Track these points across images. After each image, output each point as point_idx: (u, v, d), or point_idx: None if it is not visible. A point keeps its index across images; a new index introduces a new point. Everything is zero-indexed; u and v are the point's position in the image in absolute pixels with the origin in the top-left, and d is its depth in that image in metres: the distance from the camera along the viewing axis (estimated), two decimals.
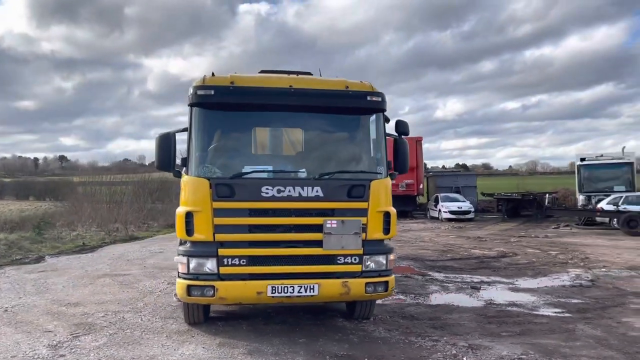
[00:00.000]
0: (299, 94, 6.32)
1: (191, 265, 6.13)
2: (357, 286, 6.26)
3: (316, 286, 6.15)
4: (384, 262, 6.42)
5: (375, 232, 6.35)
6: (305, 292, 6.14)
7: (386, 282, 6.38)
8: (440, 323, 7.38)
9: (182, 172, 6.44)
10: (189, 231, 6.11)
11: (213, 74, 6.53)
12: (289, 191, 6.15)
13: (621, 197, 22.53)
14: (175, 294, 6.63)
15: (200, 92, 6.21)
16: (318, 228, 6.21)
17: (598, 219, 23.42)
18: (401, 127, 6.76)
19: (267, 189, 6.14)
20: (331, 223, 6.19)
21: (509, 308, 8.30)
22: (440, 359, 5.85)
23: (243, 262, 6.13)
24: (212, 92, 6.19)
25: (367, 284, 6.29)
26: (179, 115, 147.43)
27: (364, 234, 6.28)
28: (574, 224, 24.86)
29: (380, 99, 6.48)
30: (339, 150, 6.77)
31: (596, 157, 27.45)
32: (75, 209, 25.80)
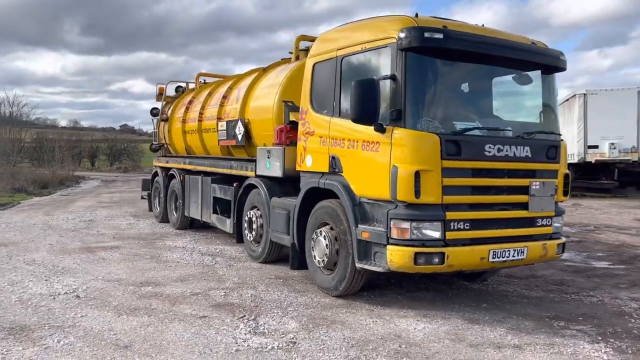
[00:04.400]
0: (513, 48, 6.00)
1: (416, 231, 5.47)
2: (552, 248, 6.27)
3: (525, 249, 6.01)
4: (562, 223, 6.54)
5: (560, 194, 6.40)
6: (517, 255, 5.96)
7: (564, 244, 6.51)
8: (552, 280, 7.79)
9: (385, 126, 5.62)
10: (417, 192, 5.42)
11: (417, 15, 5.78)
12: (506, 151, 5.84)
13: None
14: (381, 263, 5.80)
15: (427, 35, 5.46)
16: (523, 190, 6.03)
17: None
18: None
19: (489, 147, 5.74)
20: (536, 185, 6.07)
21: (570, 263, 9.10)
22: (634, 310, 6.24)
23: (467, 226, 5.68)
24: (442, 36, 5.50)
25: (558, 245, 6.35)
26: None
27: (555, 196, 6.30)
28: None
29: (565, 59, 6.47)
30: (532, 109, 6.58)
31: None
32: None
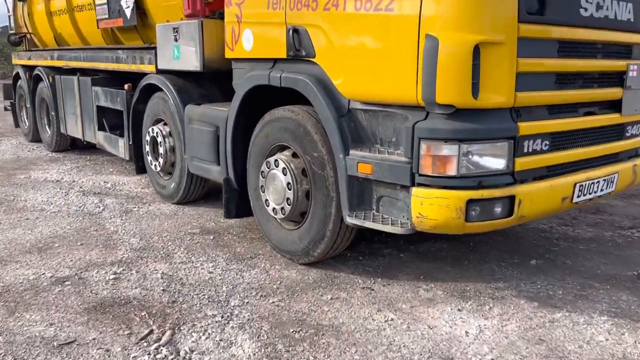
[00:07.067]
0: None
1: (465, 159, 2.94)
2: None
3: (615, 177, 3.72)
4: None
5: None
6: (607, 188, 3.67)
7: None
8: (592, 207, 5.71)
9: None
10: (475, 88, 2.83)
11: None
12: (607, 9, 3.33)
13: None
14: (367, 215, 3.28)
15: None
16: (616, 79, 3.63)
17: None
18: None
19: (586, 1, 3.19)
20: (634, 70, 3.68)
21: None
22: None
23: (545, 146, 3.23)
24: None
25: None
26: None
27: None
28: None
29: None
30: None
31: None
32: None
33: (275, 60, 3.88)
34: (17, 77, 9.81)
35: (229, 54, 4.31)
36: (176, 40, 4.89)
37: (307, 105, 3.68)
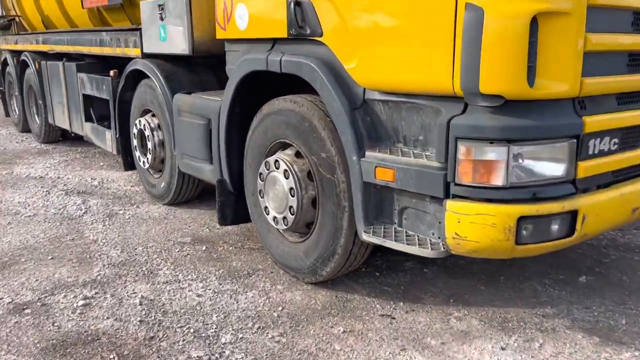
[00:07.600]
0: None
1: (515, 164, 2.29)
2: None
3: None
4: None
5: None
6: None
7: None
8: None
9: None
10: (531, 73, 2.17)
11: None
12: None
13: None
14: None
15: None
16: None
17: None
18: None
19: None
20: None
21: None
22: None
23: (614, 145, 2.57)
24: None
25: None
26: None
27: None
28: None
29: None
30: None
31: None
32: None
33: (274, 41, 3.22)
34: (5, 63, 9.20)
35: (220, 34, 3.66)
36: (162, 19, 4.23)
37: (313, 95, 3.04)
